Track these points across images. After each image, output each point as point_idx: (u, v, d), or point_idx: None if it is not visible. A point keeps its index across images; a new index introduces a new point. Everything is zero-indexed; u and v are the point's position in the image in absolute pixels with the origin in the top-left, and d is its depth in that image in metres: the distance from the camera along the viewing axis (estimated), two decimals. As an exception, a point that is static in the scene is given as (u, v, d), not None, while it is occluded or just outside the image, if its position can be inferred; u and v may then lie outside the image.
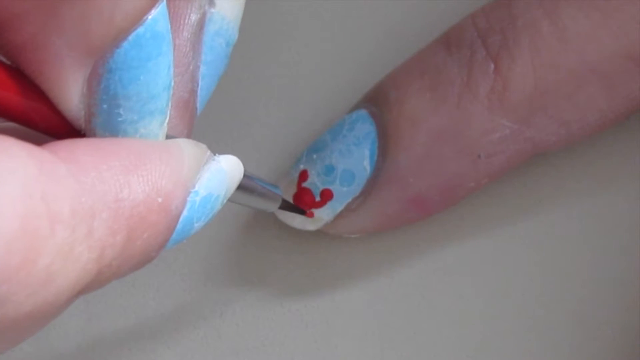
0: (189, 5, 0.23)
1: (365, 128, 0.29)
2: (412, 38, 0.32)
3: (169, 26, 0.19)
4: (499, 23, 0.28)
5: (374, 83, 0.30)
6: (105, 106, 0.19)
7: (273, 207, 0.27)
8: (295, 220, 0.29)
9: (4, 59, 0.18)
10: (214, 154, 0.22)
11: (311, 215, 0.29)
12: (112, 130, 0.19)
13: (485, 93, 0.28)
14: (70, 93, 0.19)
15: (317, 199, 0.29)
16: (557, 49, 0.27)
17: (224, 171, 0.21)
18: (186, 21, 0.23)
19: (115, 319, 0.31)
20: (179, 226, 0.20)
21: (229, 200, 0.23)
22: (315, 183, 0.29)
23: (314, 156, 0.29)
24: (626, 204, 0.30)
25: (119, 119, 0.19)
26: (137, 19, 0.18)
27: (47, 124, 0.19)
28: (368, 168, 0.29)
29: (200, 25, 0.24)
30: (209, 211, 0.21)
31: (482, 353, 0.30)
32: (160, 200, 0.19)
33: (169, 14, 0.22)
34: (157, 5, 0.19)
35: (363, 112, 0.29)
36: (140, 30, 0.18)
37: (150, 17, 0.19)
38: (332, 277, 0.31)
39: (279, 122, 0.32)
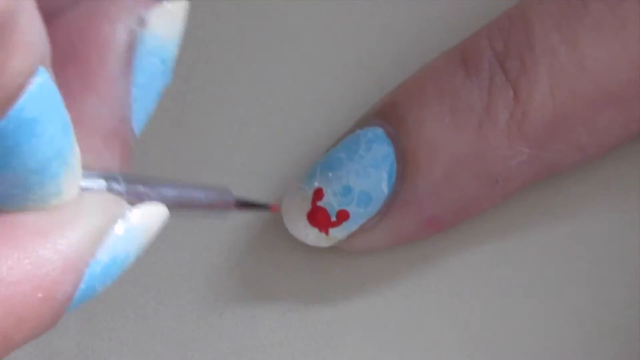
0: (113, 29, 0.22)
1: (383, 150, 0.29)
2: (413, 37, 0.32)
3: (51, 98, 0.17)
4: (517, 47, 0.28)
5: (375, 82, 0.30)
6: None
7: (225, 213, 0.25)
8: (309, 238, 0.29)
9: None
10: (130, 207, 0.20)
11: (323, 229, 0.29)
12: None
13: (504, 120, 0.28)
14: None
15: (333, 218, 0.29)
16: (575, 77, 0.27)
17: (135, 229, 0.20)
18: (111, 48, 0.22)
19: (115, 319, 0.31)
20: (77, 296, 0.19)
21: (176, 214, 0.22)
22: (331, 203, 0.29)
23: (330, 174, 0.29)
24: (627, 204, 0.31)
25: (3, 194, 0.18)
26: None
27: None
28: (386, 190, 0.29)
29: (130, 47, 0.22)
30: (115, 272, 0.20)
31: (482, 353, 0.30)
32: (40, 295, 0.18)
33: (93, 40, 0.21)
34: (20, 95, 0.17)
35: (379, 132, 0.29)
36: (2, 124, 0.17)
37: (12, 108, 0.17)
38: (332, 277, 0.31)
39: (279, 121, 0.32)
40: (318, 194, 0.29)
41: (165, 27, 0.23)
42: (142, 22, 0.22)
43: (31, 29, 0.16)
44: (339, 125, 0.31)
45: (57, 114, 0.18)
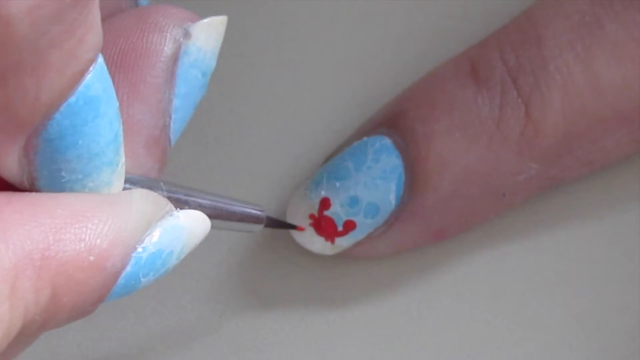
0: (162, 39, 0.22)
1: (391, 161, 0.29)
2: (414, 37, 0.32)
3: (108, 81, 0.18)
4: (530, 64, 0.28)
5: (376, 82, 0.30)
6: (45, 172, 0.18)
7: (257, 228, 0.27)
8: (315, 246, 0.29)
9: None
10: (176, 209, 0.21)
11: (329, 238, 0.29)
12: (58, 189, 0.19)
13: (515, 137, 0.28)
14: (7, 166, 0.18)
15: (340, 228, 0.29)
16: (589, 97, 0.27)
17: (182, 227, 0.21)
18: (160, 57, 0.22)
19: (115, 319, 0.31)
20: (121, 281, 0.19)
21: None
22: (338, 213, 0.29)
23: (337, 184, 0.29)
24: (627, 205, 0.31)
25: (63, 180, 0.19)
26: (66, 92, 0.17)
27: None
28: (393, 202, 0.29)
29: (175, 58, 0.23)
30: (159, 266, 0.20)
31: (482, 353, 0.30)
32: (92, 259, 0.18)
33: (142, 48, 0.22)
34: (89, 70, 0.18)
35: (387, 142, 0.29)
36: (72, 99, 0.18)
37: (82, 84, 0.18)
38: (332, 277, 0.31)
39: (279, 121, 0.32)
40: (325, 203, 0.29)
41: (207, 40, 0.23)
42: (187, 34, 0.23)
43: (98, 12, 0.18)
44: (342, 126, 0.31)
45: (113, 97, 0.19)
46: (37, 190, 0.19)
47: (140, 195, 0.20)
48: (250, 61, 0.32)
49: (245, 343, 0.31)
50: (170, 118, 0.23)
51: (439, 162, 0.28)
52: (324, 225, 0.29)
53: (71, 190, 0.19)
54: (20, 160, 0.18)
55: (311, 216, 0.29)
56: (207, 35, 0.23)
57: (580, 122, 0.27)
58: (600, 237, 0.31)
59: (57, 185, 0.19)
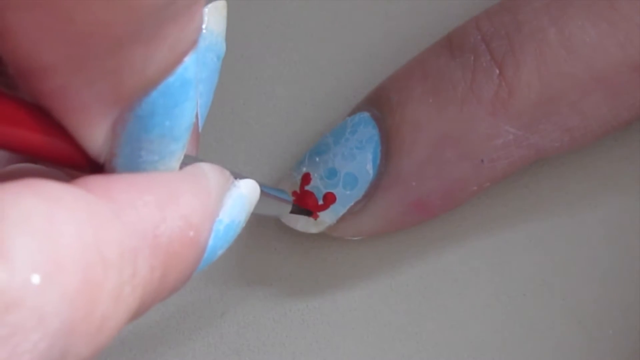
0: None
1: (368, 132, 0.29)
2: (413, 38, 0.32)
3: (198, 70, 0.18)
4: (504, 28, 0.28)
5: (375, 83, 0.30)
6: (127, 149, 0.18)
7: (284, 212, 0.27)
8: (299, 223, 0.29)
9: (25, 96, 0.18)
10: (235, 179, 0.21)
11: (315, 217, 0.29)
12: (132, 168, 0.19)
13: (489, 98, 0.27)
14: (95, 137, 0.18)
15: (320, 202, 0.29)
16: (563, 57, 0.27)
17: (245, 196, 0.21)
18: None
19: (115, 319, 0.31)
20: (204, 255, 0.20)
21: None
22: (318, 186, 0.29)
23: (317, 159, 0.29)
24: (627, 205, 0.31)
25: (140, 160, 0.18)
26: (170, 69, 0.17)
27: (69, 160, 0.18)
28: (371, 172, 0.29)
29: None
30: (230, 237, 0.21)
31: (482, 353, 0.30)
32: (191, 234, 0.18)
33: None
34: (191, 51, 0.18)
35: (365, 115, 0.29)
36: (171, 79, 0.17)
37: (181, 65, 0.18)
38: (333, 278, 0.31)
39: (279, 121, 0.32)
40: (306, 178, 0.29)
41: (216, 24, 0.23)
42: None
43: None
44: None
45: (197, 85, 0.18)
46: (112, 168, 0.18)
47: (212, 170, 0.20)
48: (250, 61, 0.32)
49: (247, 343, 0.31)
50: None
51: (412, 127, 0.28)
52: (305, 200, 0.29)
53: (144, 170, 0.19)
54: (106, 135, 0.18)
55: (294, 193, 0.29)
56: (215, 19, 0.23)
57: (555, 82, 0.27)
58: (600, 235, 0.31)
59: (134, 165, 0.18)
